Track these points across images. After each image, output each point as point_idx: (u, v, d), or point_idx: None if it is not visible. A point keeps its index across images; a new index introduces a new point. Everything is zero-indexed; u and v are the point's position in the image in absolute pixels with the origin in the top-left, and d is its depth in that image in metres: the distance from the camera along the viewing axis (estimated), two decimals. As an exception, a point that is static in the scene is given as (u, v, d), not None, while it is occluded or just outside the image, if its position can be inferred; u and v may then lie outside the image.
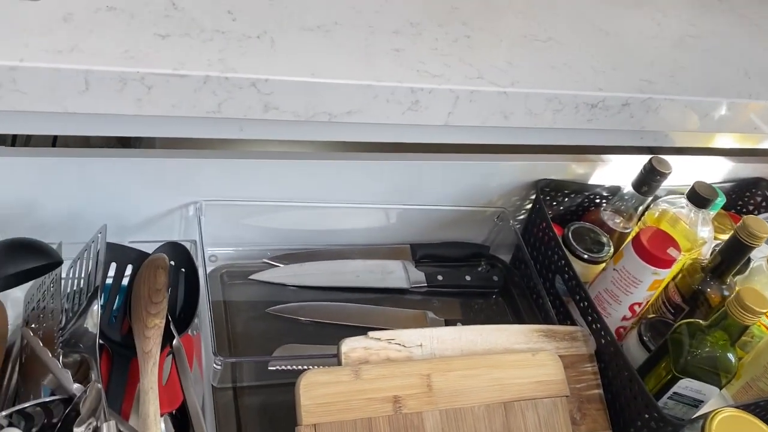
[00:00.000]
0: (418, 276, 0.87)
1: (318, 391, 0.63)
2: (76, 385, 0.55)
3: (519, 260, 0.92)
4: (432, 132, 0.63)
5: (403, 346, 0.70)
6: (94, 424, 0.52)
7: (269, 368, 0.73)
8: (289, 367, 0.74)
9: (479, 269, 0.92)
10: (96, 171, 0.69)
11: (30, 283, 0.68)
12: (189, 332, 0.67)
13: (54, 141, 0.86)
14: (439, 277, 0.88)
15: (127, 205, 0.73)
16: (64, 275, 0.66)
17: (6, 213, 0.69)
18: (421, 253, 0.90)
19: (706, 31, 0.78)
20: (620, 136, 0.71)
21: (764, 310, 0.63)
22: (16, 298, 0.68)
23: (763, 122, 0.74)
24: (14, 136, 0.80)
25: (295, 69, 0.53)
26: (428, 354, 0.70)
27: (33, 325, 0.63)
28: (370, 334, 0.69)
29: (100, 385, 0.52)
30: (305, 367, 0.74)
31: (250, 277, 0.81)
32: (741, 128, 0.74)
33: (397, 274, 0.87)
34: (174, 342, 0.61)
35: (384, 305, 0.84)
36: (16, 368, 0.65)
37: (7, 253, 0.59)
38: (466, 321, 0.85)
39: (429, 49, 0.60)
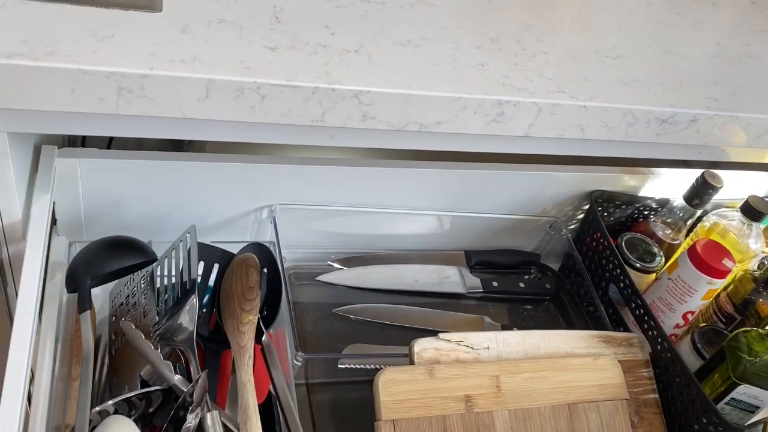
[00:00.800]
0: (474, 281, 0.90)
1: (395, 388, 0.66)
2: (176, 377, 0.58)
3: (568, 269, 0.95)
4: (512, 142, 0.66)
5: (472, 348, 0.73)
6: (201, 413, 0.54)
7: (339, 366, 0.76)
8: (357, 366, 0.77)
9: (531, 276, 0.95)
10: (179, 174, 0.73)
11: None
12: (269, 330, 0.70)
13: (109, 143, 0.89)
14: (494, 284, 0.90)
15: (205, 207, 0.77)
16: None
17: (94, 212, 0.73)
18: (476, 260, 0.93)
19: (762, 51, 0.81)
20: (682, 150, 0.74)
21: (825, 320, 0.66)
22: (95, 294, 0.71)
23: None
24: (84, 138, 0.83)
25: (393, 81, 0.56)
26: (495, 356, 0.73)
27: (124, 320, 0.67)
28: (441, 335, 0.71)
29: (204, 378, 0.54)
30: (373, 366, 0.77)
31: (317, 278, 0.84)
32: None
33: (453, 279, 0.90)
34: (264, 338, 0.64)
35: (441, 309, 0.87)
36: (106, 361, 0.68)
37: (108, 250, 0.62)
38: (520, 327, 0.88)
39: (510, 64, 0.64)
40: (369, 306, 0.83)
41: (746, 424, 0.69)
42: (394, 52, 0.60)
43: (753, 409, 0.73)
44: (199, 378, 0.54)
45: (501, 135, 0.62)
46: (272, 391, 0.64)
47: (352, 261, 0.88)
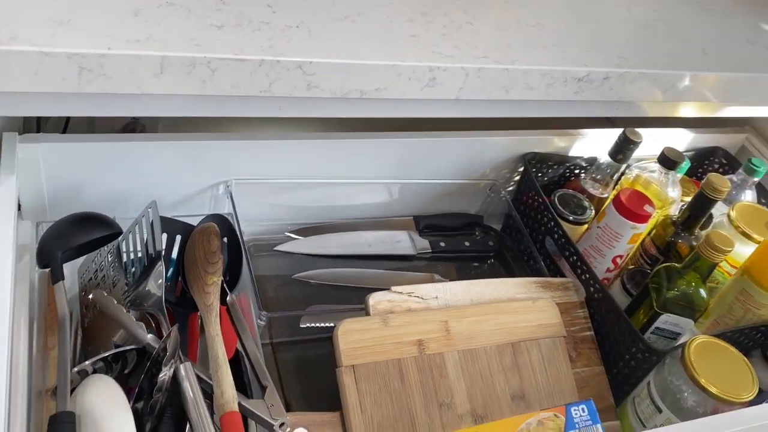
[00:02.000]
0: (423, 243, 0.97)
1: (353, 336, 0.72)
2: (149, 336, 0.63)
3: (510, 228, 1.02)
4: (446, 106, 0.72)
5: (422, 298, 0.79)
6: (174, 364, 0.59)
7: (301, 325, 0.82)
8: (318, 325, 0.83)
9: (475, 236, 1.02)
10: (136, 154, 0.77)
11: (81, 259, 0.75)
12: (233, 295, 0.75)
13: (65, 129, 0.91)
14: (442, 244, 0.97)
15: (163, 185, 0.81)
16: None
17: (57, 196, 0.76)
18: (424, 224, 0.99)
19: (668, 16, 0.90)
20: (600, 108, 0.82)
21: (729, 249, 0.75)
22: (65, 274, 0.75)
23: (715, 93, 0.86)
24: (45, 121, 0.86)
25: (333, 53, 0.62)
26: (443, 305, 0.80)
27: (95, 290, 0.71)
28: (393, 288, 0.78)
29: (176, 332, 0.59)
30: (332, 324, 0.83)
31: (275, 248, 0.89)
32: (698, 98, 0.86)
33: (404, 242, 0.96)
34: (228, 298, 0.69)
35: (394, 270, 0.93)
36: (79, 333, 0.72)
37: (76, 224, 0.66)
38: (468, 282, 0.95)
39: (439, 34, 0.70)
40: (326, 271, 0.89)
41: (668, 348, 0.78)
42: (332, 27, 0.65)
43: (675, 336, 0.82)
44: (170, 332, 0.59)
45: (435, 99, 0.68)
46: (239, 349, 0.69)
47: (308, 231, 0.93)
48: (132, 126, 0.99)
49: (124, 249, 0.72)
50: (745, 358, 0.75)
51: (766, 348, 0.86)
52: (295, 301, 0.86)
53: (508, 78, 0.69)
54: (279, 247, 0.90)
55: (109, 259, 0.72)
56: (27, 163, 0.72)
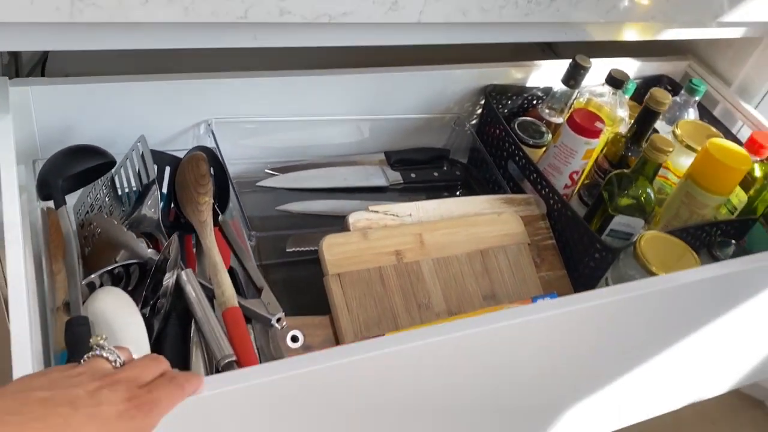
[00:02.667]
0: (395, 176, 1.03)
1: (337, 249, 0.79)
2: (150, 250, 0.69)
3: (475, 159, 1.09)
4: (407, 31, 0.78)
5: (397, 215, 0.86)
6: (176, 272, 0.65)
7: (287, 250, 0.88)
8: (303, 248, 0.89)
9: (443, 168, 1.09)
10: (122, 94, 0.81)
11: (76, 197, 0.80)
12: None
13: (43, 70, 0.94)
14: (412, 175, 1.04)
15: (147, 125, 0.84)
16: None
17: (47, 138, 0.80)
18: (394, 159, 1.05)
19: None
20: (550, 31, 0.89)
21: (670, 149, 0.83)
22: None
23: (654, 13, 0.93)
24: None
25: (302, -21, 0.67)
26: (416, 221, 0.87)
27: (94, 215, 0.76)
28: (371, 207, 0.84)
29: (176, 240, 0.65)
30: (315, 247, 0.89)
31: (257, 184, 0.95)
32: (640, 18, 0.93)
33: (377, 176, 1.03)
34: (220, 218, 0.75)
35: (369, 201, 1.00)
36: (80, 263, 0.77)
37: (73, 155, 0.71)
38: (439, 208, 1.02)
39: (399, -39, 0.76)
40: (307, 202, 0.95)
41: (623, 246, 0.86)
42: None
43: (627, 236, 0.90)
44: (171, 240, 0.64)
45: (398, 23, 0.74)
46: (232, 264, 0.75)
47: (286, 169, 0.99)
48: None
49: (118, 182, 0.77)
50: (689, 247, 0.83)
51: (711, 246, 0.95)
52: (279, 229, 0.91)
53: (465, 0, 0.75)
54: (260, 183, 0.95)
55: (104, 190, 0.77)
56: (18, 107, 0.76)
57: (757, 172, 0.97)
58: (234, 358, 0.60)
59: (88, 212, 0.79)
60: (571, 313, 0.66)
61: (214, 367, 0.62)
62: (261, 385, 0.52)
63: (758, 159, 0.97)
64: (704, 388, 1.06)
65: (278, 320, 0.67)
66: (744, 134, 1.15)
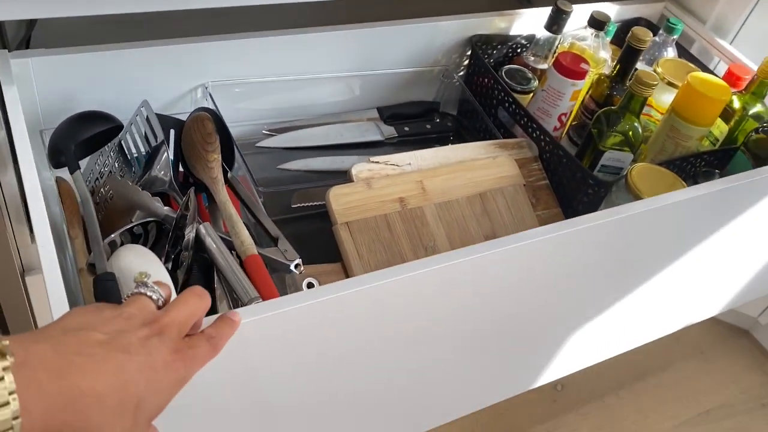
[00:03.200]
0: (389, 130, 1.06)
1: (343, 199, 0.81)
2: (166, 208, 0.71)
3: (465, 111, 1.12)
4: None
5: (397, 165, 0.89)
6: (195, 226, 0.68)
7: (292, 206, 0.91)
8: (307, 204, 0.92)
9: (435, 120, 1.11)
10: (119, 61, 0.82)
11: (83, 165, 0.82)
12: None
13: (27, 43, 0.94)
14: (406, 129, 1.06)
15: (146, 92, 0.86)
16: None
17: (50, 110, 0.82)
18: (387, 114, 1.08)
19: None
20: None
21: (655, 83, 0.86)
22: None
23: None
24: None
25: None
26: (416, 169, 0.90)
27: (104, 189, 0.78)
28: (371, 158, 0.87)
29: (193, 195, 0.67)
30: (319, 202, 0.92)
31: (257, 145, 0.97)
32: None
33: (372, 131, 1.05)
34: (229, 175, 0.77)
35: (367, 155, 1.02)
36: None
37: (81, 121, 0.73)
38: (434, 158, 1.04)
39: None
40: (308, 159, 0.97)
41: (615, 179, 0.90)
42: None
43: (618, 171, 0.94)
44: (189, 193, 0.67)
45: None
46: (244, 218, 0.78)
47: (282, 130, 1.01)
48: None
49: (125, 147, 0.79)
50: (677, 176, 0.88)
51: (696, 177, 0.99)
52: (282, 186, 0.94)
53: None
54: (259, 144, 0.97)
55: (113, 155, 0.79)
56: (20, 78, 0.77)
57: (736, 104, 1.01)
58: (260, 299, 0.63)
59: (98, 179, 0.80)
60: (571, 234, 0.69)
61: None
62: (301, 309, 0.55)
63: (737, 91, 1.01)
64: (696, 311, 1.11)
65: (296, 266, 0.70)
66: (721, 70, 1.19)
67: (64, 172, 0.76)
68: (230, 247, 0.70)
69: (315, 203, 0.92)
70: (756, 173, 0.85)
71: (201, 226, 0.68)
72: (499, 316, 0.80)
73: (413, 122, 1.09)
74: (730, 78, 1.02)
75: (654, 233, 0.78)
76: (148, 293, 0.49)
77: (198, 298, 0.50)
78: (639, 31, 0.94)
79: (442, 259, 0.66)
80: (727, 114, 1.01)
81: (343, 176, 0.96)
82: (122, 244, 0.70)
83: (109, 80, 0.83)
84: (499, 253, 0.67)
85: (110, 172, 0.79)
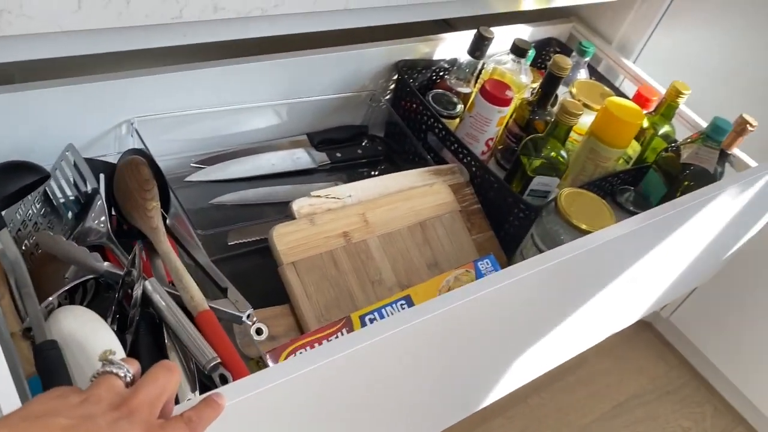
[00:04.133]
0: (321, 156, 1.05)
1: (287, 238, 0.80)
2: (106, 263, 0.67)
3: (393, 134, 1.13)
4: (337, 17, 0.80)
5: (338, 198, 0.88)
6: (141, 283, 0.64)
7: (229, 243, 0.88)
8: (244, 240, 0.89)
9: (365, 145, 1.11)
10: (37, 101, 0.77)
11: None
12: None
13: None
14: (338, 155, 1.06)
15: (67, 132, 0.81)
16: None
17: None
18: (318, 140, 1.07)
19: None
20: (456, 7, 0.93)
21: (580, 112, 0.91)
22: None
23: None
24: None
25: (233, -25, 0.67)
26: (357, 201, 0.89)
27: (29, 240, 0.72)
28: (312, 193, 0.86)
29: (139, 251, 0.64)
30: (257, 237, 0.90)
31: (186, 179, 0.93)
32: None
33: (304, 158, 1.04)
34: (168, 221, 0.74)
35: (301, 184, 1.01)
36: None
37: (3, 174, 0.67)
38: (366, 184, 1.05)
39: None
40: (239, 192, 0.95)
41: (544, 204, 0.94)
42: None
43: (545, 194, 0.98)
44: (134, 251, 0.63)
45: (326, 11, 0.75)
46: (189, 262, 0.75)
47: (211, 161, 0.98)
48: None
49: (51, 194, 0.74)
50: (602, 199, 0.93)
51: (614, 195, 1.05)
52: (217, 225, 0.91)
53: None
54: (189, 178, 0.94)
55: (37, 206, 0.73)
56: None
57: (645, 124, 1.09)
58: (219, 360, 0.61)
59: (19, 230, 0.75)
60: (512, 284, 0.70)
61: (198, 371, 0.62)
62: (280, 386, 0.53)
63: (646, 111, 1.08)
64: (615, 324, 1.18)
65: (248, 316, 0.68)
66: (625, 87, 1.27)
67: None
68: (177, 300, 0.67)
69: (252, 239, 0.90)
70: (677, 204, 0.88)
71: (147, 283, 0.65)
72: (438, 365, 0.79)
73: (344, 147, 1.09)
74: (639, 99, 1.09)
75: (589, 264, 0.82)
76: (115, 370, 0.47)
77: (168, 372, 0.48)
78: (559, 59, 0.98)
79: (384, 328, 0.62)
80: (638, 134, 1.07)
81: (279, 207, 0.95)
82: (59, 304, 0.65)
83: (26, 122, 0.77)
84: (448, 311, 0.65)
85: (35, 222, 0.73)
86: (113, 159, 0.82)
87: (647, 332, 1.76)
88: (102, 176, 0.77)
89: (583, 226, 0.87)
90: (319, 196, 0.86)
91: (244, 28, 0.74)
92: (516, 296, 0.73)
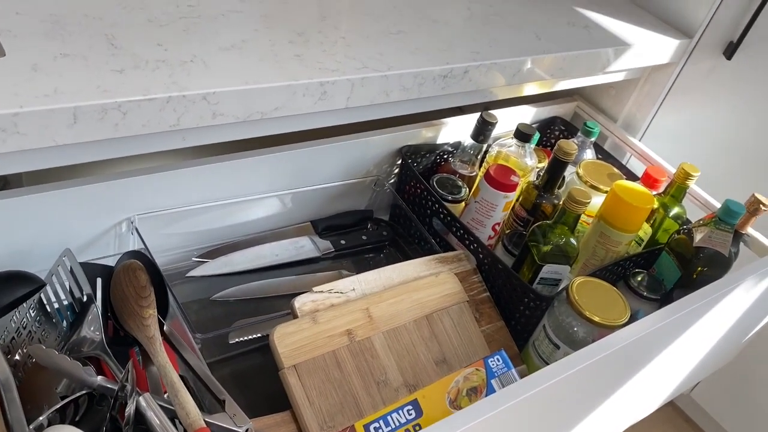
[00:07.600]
0: (325, 244, 1.03)
1: (288, 339, 0.77)
2: (99, 377, 0.64)
3: (397, 216, 1.12)
4: (336, 115, 0.79)
5: (341, 292, 0.86)
6: (135, 398, 0.62)
7: (230, 342, 0.85)
8: (246, 338, 0.87)
9: (370, 230, 1.10)
10: (33, 205, 0.76)
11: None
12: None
13: None
14: (342, 242, 1.04)
15: (65, 233, 0.80)
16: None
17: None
18: (322, 227, 1.06)
19: (501, 9, 1.03)
20: (462, 97, 0.93)
21: (588, 200, 0.89)
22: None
23: (552, 71, 1.01)
24: None
25: (231, 81, 0.67)
26: (360, 294, 0.87)
27: (22, 350, 0.70)
28: (314, 288, 0.84)
29: (132, 367, 0.61)
30: (259, 334, 0.87)
31: (187, 275, 0.92)
32: (538, 78, 1.00)
33: (307, 246, 1.02)
34: (165, 328, 0.71)
35: (304, 274, 0.99)
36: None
37: (-2, 286, 0.65)
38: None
39: (320, 51, 0.77)
40: (242, 286, 0.93)
41: (554, 294, 0.91)
42: (223, 57, 0.70)
43: (556, 282, 0.96)
44: (128, 367, 0.61)
45: (327, 110, 0.75)
46: (181, 370, 0.72)
47: (214, 254, 0.96)
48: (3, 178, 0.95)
49: (45, 300, 0.72)
50: (616, 288, 0.90)
51: (627, 279, 1.02)
52: (218, 321, 0.89)
53: (387, 83, 0.78)
54: (191, 273, 0.92)
55: (32, 314, 0.71)
56: None
57: (655, 205, 1.06)
58: (215, 484, 0.58)
59: (13, 338, 0.72)
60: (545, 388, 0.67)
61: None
62: None
63: (655, 192, 1.06)
64: (635, 414, 1.13)
65: (247, 431, 0.65)
66: (633, 164, 1.26)
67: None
68: (172, 415, 0.64)
69: (254, 336, 0.87)
70: (698, 297, 0.85)
71: (141, 398, 0.62)
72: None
73: (348, 233, 1.07)
74: (648, 180, 1.07)
75: (610, 363, 0.79)
76: None
77: None
78: (564, 144, 0.97)
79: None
80: (649, 215, 1.05)
81: (282, 300, 0.92)
82: (49, 423, 0.62)
83: (24, 227, 0.76)
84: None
85: (29, 331, 0.71)
86: (113, 259, 0.80)
87: (668, 408, 1.69)
88: (99, 281, 0.75)
89: (597, 319, 0.84)
90: (321, 291, 0.84)
91: (244, 130, 0.73)
92: (535, 405, 0.70)
